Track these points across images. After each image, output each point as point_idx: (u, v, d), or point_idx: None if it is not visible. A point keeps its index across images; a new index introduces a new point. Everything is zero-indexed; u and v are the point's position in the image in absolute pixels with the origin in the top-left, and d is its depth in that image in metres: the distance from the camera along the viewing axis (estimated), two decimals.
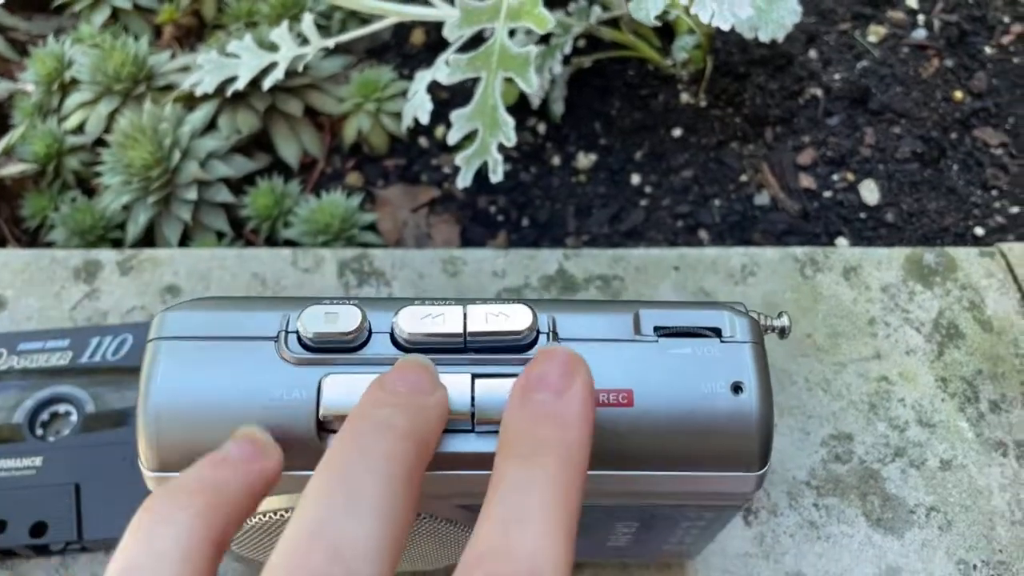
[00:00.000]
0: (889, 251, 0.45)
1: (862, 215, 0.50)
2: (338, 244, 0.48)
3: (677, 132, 0.54)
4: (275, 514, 0.24)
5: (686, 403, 0.22)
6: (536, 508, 0.17)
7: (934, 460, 0.39)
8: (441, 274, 0.43)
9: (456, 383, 0.22)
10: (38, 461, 0.35)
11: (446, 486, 0.22)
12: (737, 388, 0.23)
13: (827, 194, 0.51)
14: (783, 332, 0.26)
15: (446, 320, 0.22)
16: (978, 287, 0.44)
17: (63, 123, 0.53)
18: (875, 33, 0.59)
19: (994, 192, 0.52)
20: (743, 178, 0.52)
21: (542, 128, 0.55)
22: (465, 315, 0.22)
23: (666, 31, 0.56)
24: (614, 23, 0.55)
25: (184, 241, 0.50)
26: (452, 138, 0.45)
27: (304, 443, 0.22)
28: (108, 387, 0.37)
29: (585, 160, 0.54)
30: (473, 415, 0.21)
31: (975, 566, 0.36)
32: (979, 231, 0.50)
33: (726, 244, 0.49)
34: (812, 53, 0.57)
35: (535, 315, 0.23)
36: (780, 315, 0.26)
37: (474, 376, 0.22)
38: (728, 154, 0.53)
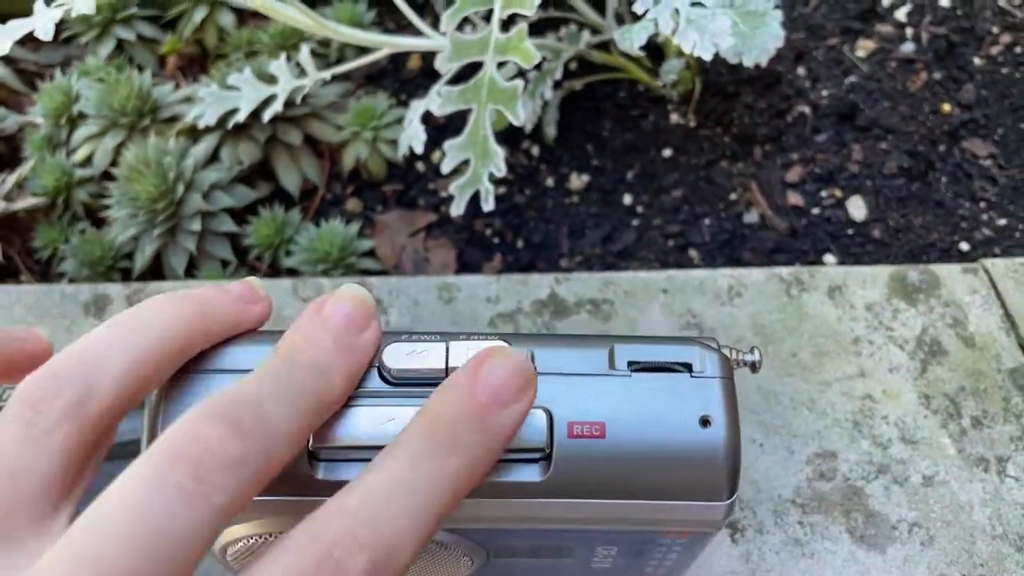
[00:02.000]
0: (873, 269, 0.46)
1: (849, 231, 0.51)
2: (337, 272, 0.49)
3: (667, 152, 0.55)
4: (262, 537, 0.25)
5: (656, 436, 0.24)
6: (424, 493, 0.18)
7: (917, 476, 0.40)
8: (436, 301, 0.45)
9: None
10: None
11: None
12: (705, 422, 0.24)
13: (815, 211, 0.52)
14: (754, 367, 0.27)
15: (429, 356, 0.24)
16: (961, 303, 0.45)
17: (72, 156, 0.55)
18: (864, 48, 0.59)
19: (982, 204, 0.53)
20: (732, 196, 0.53)
21: (536, 150, 0.56)
22: (447, 351, 0.24)
23: (656, 52, 0.57)
24: (604, 46, 0.56)
25: (190, 270, 0.51)
26: (445, 168, 0.46)
27: (295, 472, 0.23)
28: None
29: (578, 181, 0.55)
30: None
31: None
32: (964, 246, 0.50)
33: (716, 263, 0.50)
34: (800, 70, 0.58)
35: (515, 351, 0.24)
36: (752, 350, 0.27)
37: None
38: (718, 173, 0.54)
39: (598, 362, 0.25)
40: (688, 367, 0.25)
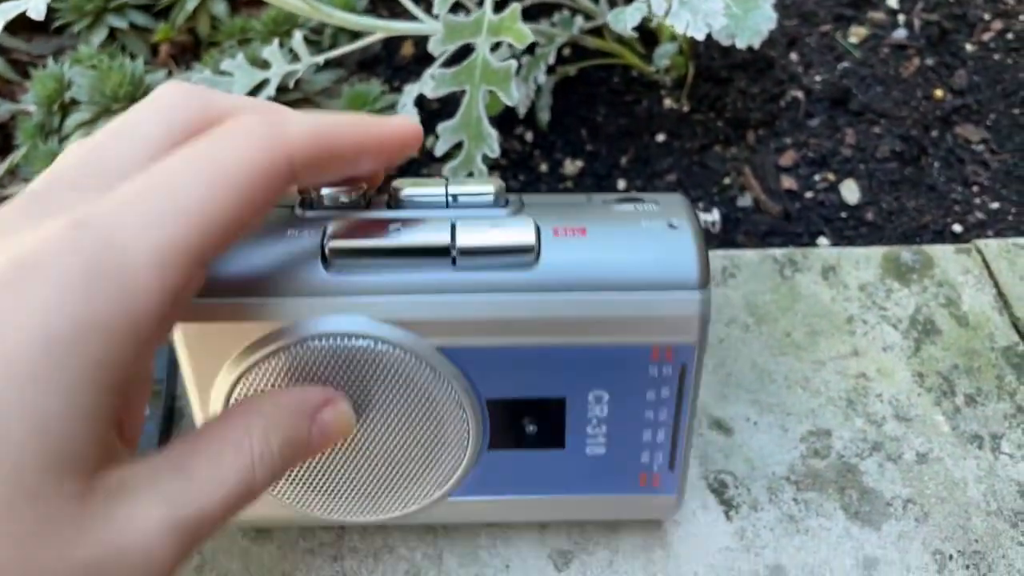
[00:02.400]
0: (867, 250, 0.46)
1: (843, 214, 0.51)
2: None
3: (661, 137, 0.55)
4: (267, 361, 0.27)
5: (630, 234, 0.27)
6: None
7: (911, 453, 0.40)
8: None
9: (439, 227, 0.26)
10: None
11: (425, 312, 0.27)
12: (672, 226, 0.28)
13: (808, 195, 0.52)
14: (713, 225, 0.31)
15: (432, 186, 0.27)
16: (954, 283, 0.45)
17: (64, 143, 0.55)
18: (856, 34, 0.60)
19: (975, 188, 0.53)
20: (726, 181, 0.53)
21: (529, 136, 0.56)
22: (447, 183, 0.27)
23: (650, 37, 0.57)
24: (598, 32, 0.56)
25: None
26: (438, 150, 0.46)
27: (311, 273, 0.26)
28: None
29: (572, 166, 0.55)
30: (453, 255, 0.26)
31: (951, 556, 0.37)
32: (957, 228, 0.51)
33: (710, 245, 0.50)
34: (793, 56, 0.58)
35: (505, 186, 0.28)
36: (711, 211, 0.32)
37: (455, 223, 0.26)
38: (711, 157, 0.54)
39: (577, 200, 0.30)
40: (655, 202, 0.29)
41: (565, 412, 0.30)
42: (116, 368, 0.18)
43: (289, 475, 0.30)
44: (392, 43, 0.61)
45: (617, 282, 0.27)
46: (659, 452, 0.32)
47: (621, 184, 0.54)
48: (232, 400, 0.28)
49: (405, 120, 0.25)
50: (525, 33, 0.42)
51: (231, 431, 0.22)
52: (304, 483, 0.31)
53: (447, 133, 0.46)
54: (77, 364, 0.17)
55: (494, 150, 0.44)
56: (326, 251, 0.26)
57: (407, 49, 0.61)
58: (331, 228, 0.26)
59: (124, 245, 0.18)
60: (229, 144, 0.21)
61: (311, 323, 0.26)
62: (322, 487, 0.31)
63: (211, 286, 0.25)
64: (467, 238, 0.26)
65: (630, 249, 0.27)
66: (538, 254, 0.26)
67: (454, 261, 0.26)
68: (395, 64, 0.61)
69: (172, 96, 0.22)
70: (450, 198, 0.27)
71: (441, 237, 0.26)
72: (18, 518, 0.17)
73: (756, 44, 0.47)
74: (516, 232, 0.26)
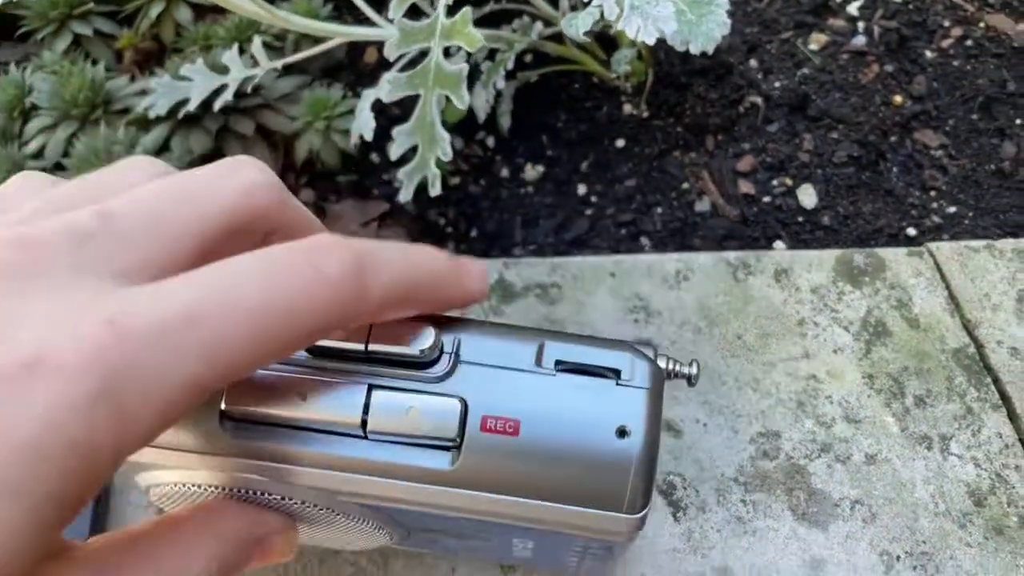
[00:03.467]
0: (819, 253, 0.46)
1: (799, 219, 0.51)
2: None
3: (620, 143, 0.55)
4: (177, 486, 0.25)
5: (570, 441, 0.23)
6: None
7: (859, 455, 0.40)
8: None
9: (352, 392, 0.23)
10: None
11: (340, 485, 0.24)
12: (623, 432, 0.23)
13: (766, 199, 0.52)
14: (690, 380, 0.27)
15: (352, 333, 0.23)
16: (906, 286, 0.45)
17: (24, 148, 0.55)
18: (816, 41, 0.60)
19: (932, 193, 0.54)
20: (684, 186, 0.53)
21: (491, 141, 0.56)
22: (370, 329, 0.23)
23: (610, 43, 0.58)
24: (558, 38, 0.56)
25: None
26: (393, 153, 0.46)
27: (208, 429, 0.23)
28: None
29: (532, 172, 0.55)
30: (365, 423, 0.23)
31: (898, 557, 0.37)
32: (912, 231, 0.51)
33: (667, 250, 0.50)
34: (753, 62, 0.58)
35: (438, 336, 0.23)
36: (691, 363, 0.27)
37: (371, 387, 0.23)
38: (670, 163, 0.54)
39: (525, 357, 0.24)
40: (616, 373, 0.24)
41: (490, 538, 0.28)
42: (91, 486, 0.17)
43: None
44: (356, 50, 0.61)
45: (544, 494, 0.23)
46: (587, 563, 0.29)
47: (581, 189, 0.54)
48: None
49: (482, 271, 0.24)
50: (476, 37, 0.42)
51: (174, 544, 0.21)
52: None
53: (401, 136, 0.46)
54: (54, 481, 0.16)
55: (447, 153, 0.44)
56: (223, 408, 0.23)
57: (371, 55, 0.61)
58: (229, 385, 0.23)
59: (146, 372, 0.16)
60: (309, 275, 0.18)
61: (212, 479, 0.24)
62: None
63: None
64: (384, 419, 0.23)
65: (565, 461, 0.23)
66: (460, 447, 0.23)
67: (367, 435, 0.23)
68: (358, 70, 0.61)
69: (253, 173, 0.21)
70: (370, 351, 0.23)
71: (352, 414, 0.23)
72: None
73: (710, 50, 0.47)
74: (438, 420, 0.23)
